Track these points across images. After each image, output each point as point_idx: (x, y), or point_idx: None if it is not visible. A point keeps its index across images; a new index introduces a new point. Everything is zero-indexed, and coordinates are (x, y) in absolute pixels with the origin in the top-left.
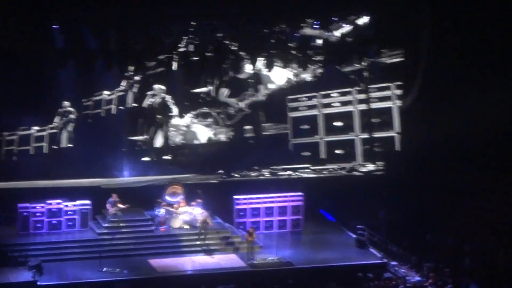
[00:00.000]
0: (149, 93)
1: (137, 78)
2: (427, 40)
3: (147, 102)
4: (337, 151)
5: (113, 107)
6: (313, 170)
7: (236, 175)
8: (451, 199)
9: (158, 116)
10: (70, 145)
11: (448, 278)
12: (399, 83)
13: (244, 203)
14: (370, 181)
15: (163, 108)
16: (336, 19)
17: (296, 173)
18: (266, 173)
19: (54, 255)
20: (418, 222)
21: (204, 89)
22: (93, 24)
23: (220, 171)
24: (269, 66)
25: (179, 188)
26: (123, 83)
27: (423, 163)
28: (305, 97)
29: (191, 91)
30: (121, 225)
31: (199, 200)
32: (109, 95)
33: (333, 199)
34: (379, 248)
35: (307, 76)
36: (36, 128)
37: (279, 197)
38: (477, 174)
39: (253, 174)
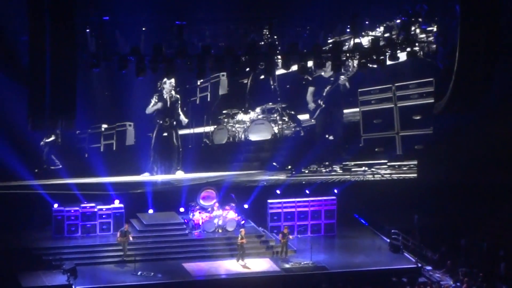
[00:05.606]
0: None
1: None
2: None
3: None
4: (416, 147)
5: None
6: (390, 166)
7: (305, 171)
8: (486, 203)
9: (166, 120)
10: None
11: (483, 283)
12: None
13: (278, 207)
14: (404, 185)
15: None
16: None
17: (372, 169)
18: (337, 169)
19: (88, 259)
20: (453, 227)
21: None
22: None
23: (288, 167)
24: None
25: (213, 192)
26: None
27: (457, 167)
28: (378, 89)
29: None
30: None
31: (232, 204)
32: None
33: (367, 204)
34: (413, 253)
35: None
36: (105, 126)
37: (312, 201)
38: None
39: (324, 170)
